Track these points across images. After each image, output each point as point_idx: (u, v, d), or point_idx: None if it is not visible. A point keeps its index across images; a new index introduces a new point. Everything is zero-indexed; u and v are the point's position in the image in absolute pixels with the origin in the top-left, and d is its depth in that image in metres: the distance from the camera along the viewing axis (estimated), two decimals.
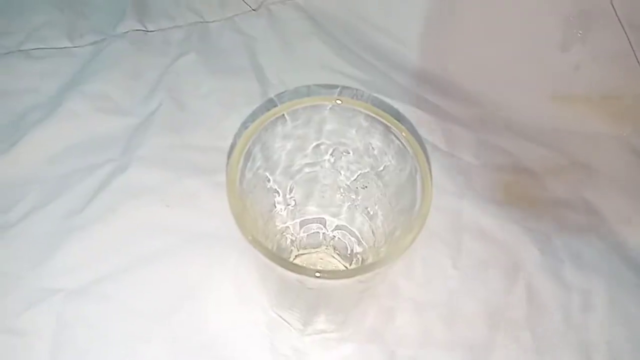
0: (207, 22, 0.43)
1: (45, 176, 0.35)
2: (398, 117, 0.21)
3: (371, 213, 0.25)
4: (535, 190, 0.36)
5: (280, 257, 0.17)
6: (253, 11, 0.43)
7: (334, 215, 0.29)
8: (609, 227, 0.35)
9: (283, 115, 0.21)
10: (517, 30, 0.38)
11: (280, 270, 0.18)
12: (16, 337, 0.29)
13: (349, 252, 0.28)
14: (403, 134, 0.20)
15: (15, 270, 0.31)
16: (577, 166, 0.37)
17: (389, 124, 0.20)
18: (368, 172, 0.24)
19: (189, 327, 0.31)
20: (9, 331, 0.29)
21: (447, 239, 0.34)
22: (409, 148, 0.20)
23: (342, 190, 0.26)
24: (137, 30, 0.42)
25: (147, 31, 0.42)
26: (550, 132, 0.38)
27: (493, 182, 0.36)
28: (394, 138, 0.21)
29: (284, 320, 0.31)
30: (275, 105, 0.21)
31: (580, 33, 0.36)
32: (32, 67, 0.40)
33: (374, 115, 0.21)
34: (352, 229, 0.28)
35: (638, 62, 0.36)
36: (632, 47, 0.36)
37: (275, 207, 0.26)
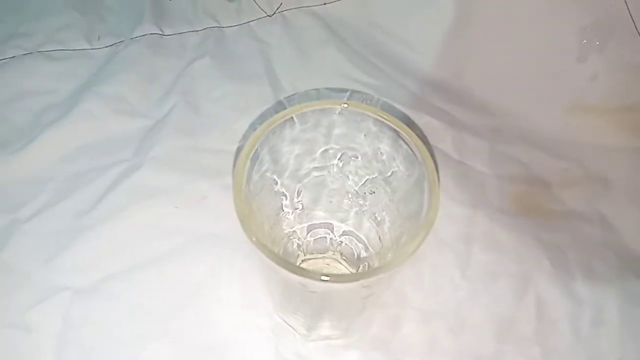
0: (222, 27, 0.43)
1: (57, 175, 0.36)
2: (408, 123, 0.21)
3: (378, 219, 0.25)
4: (548, 201, 0.35)
5: (284, 260, 0.17)
6: (268, 17, 0.44)
7: (342, 221, 0.29)
8: (623, 242, 0.34)
9: (292, 118, 0.21)
10: (533, 40, 0.37)
11: (285, 273, 0.18)
12: (22, 333, 0.29)
13: (355, 257, 0.28)
14: (412, 139, 0.20)
15: (25, 266, 0.32)
16: (593, 179, 0.36)
17: (398, 129, 0.20)
18: (376, 177, 0.24)
19: (194, 328, 0.31)
20: (15, 326, 0.29)
21: (457, 249, 0.34)
22: (417, 154, 0.20)
23: (349, 195, 0.26)
24: (153, 33, 0.43)
25: (164, 35, 0.43)
26: (566, 144, 0.37)
27: (506, 193, 0.36)
28: (403, 143, 0.21)
29: (289, 325, 0.31)
30: (285, 108, 0.21)
31: (597, 43, 0.36)
32: (50, 68, 0.41)
33: (383, 119, 0.20)
34: (359, 234, 0.28)
35: None
36: None
37: (283, 210, 0.26)
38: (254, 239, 0.17)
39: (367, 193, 0.25)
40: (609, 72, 0.37)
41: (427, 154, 0.19)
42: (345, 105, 0.20)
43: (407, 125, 0.20)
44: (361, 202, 0.26)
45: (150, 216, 0.34)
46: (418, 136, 0.20)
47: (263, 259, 0.19)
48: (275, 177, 0.23)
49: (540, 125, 0.38)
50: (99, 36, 0.43)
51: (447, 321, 0.31)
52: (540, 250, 0.33)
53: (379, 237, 0.25)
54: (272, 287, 0.25)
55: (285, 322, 0.31)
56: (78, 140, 0.37)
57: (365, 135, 0.22)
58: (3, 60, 0.41)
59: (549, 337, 0.31)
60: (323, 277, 0.17)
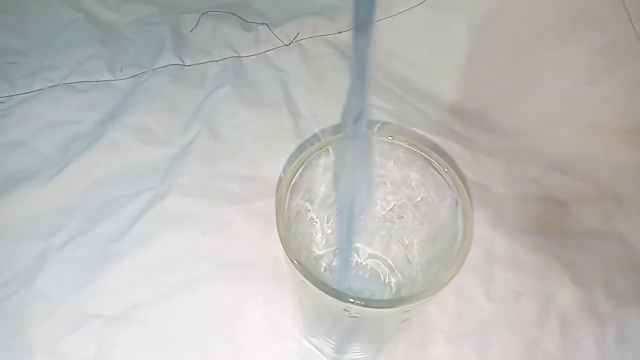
0: (241, 57, 0.45)
1: (87, 203, 0.37)
2: (438, 152, 0.22)
3: (406, 242, 0.26)
4: (566, 220, 0.36)
5: (326, 284, 0.18)
6: (285, 46, 0.45)
7: (367, 244, 0.29)
8: None
9: (327, 148, 0.22)
10: (545, 63, 0.39)
11: (323, 297, 0.19)
12: None
13: (381, 280, 0.29)
14: (445, 168, 0.21)
15: (59, 294, 0.33)
16: (608, 197, 0.37)
17: (430, 158, 0.21)
18: (405, 202, 0.25)
19: (223, 353, 0.31)
20: (52, 354, 0.30)
21: (479, 269, 0.34)
22: (450, 182, 0.21)
23: (377, 219, 0.27)
24: (175, 64, 0.44)
25: (185, 65, 0.44)
26: (579, 163, 0.38)
27: (524, 212, 0.36)
28: (434, 171, 0.21)
29: (317, 349, 0.31)
30: (319, 140, 0.22)
31: (608, 66, 0.37)
32: (76, 99, 0.42)
33: (414, 149, 0.21)
34: (385, 257, 0.29)
35: None
36: None
37: (313, 235, 0.27)
38: (296, 262, 0.18)
39: (395, 217, 0.26)
40: (620, 93, 0.38)
41: (461, 184, 0.20)
42: (391, 138, 0.21)
43: (438, 154, 0.21)
44: (388, 225, 0.27)
45: (179, 243, 0.35)
46: (450, 164, 0.21)
47: (300, 283, 0.20)
48: (308, 204, 0.24)
49: (554, 146, 0.39)
50: (121, 67, 0.44)
51: (473, 342, 0.32)
52: (560, 268, 0.34)
53: (408, 261, 0.26)
54: (305, 311, 0.26)
55: (314, 346, 0.32)
56: (105, 169, 0.38)
57: (394, 162, 0.23)
58: (30, 93, 0.42)
59: (575, 355, 0.31)
60: (364, 303, 0.18)
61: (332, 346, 0.29)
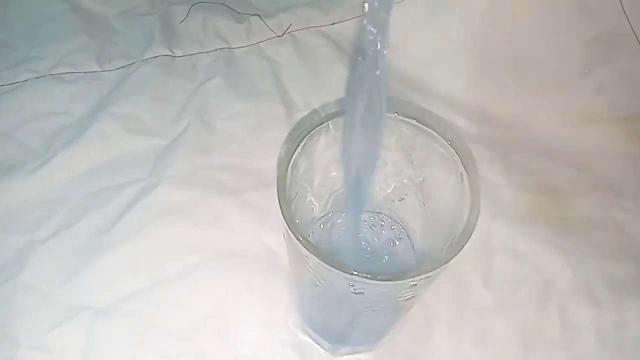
0: (232, 48, 0.44)
1: (74, 195, 0.36)
2: (444, 127, 0.21)
3: (409, 224, 0.25)
4: (564, 210, 0.36)
5: (331, 259, 0.17)
6: (278, 38, 0.44)
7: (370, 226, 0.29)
8: (638, 246, 0.35)
9: (328, 124, 0.21)
10: (540, 54, 0.39)
11: (328, 273, 0.18)
12: (45, 354, 0.29)
13: (383, 262, 0.28)
14: (448, 142, 0.20)
15: (44, 287, 0.31)
16: (605, 187, 0.37)
17: (434, 133, 0.21)
18: (406, 183, 0.24)
19: (216, 346, 0.30)
20: (37, 348, 0.29)
21: (477, 259, 0.34)
22: (455, 156, 0.20)
23: (377, 202, 0.26)
24: (164, 55, 0.43)
25: (175, 56, 0.43)
26: (576, 153, 0.38)
27: (521, 203, 0.36)
28: (439, 147, 0.21)
29: (314, 341, 0.31)
30: (319, 116, 0.21)
31: (602, 56, 0.37)
32: (62, 90, 0.41)
33: (419, 124, 0.21)
34: (386, 239, 0.28)
35: None
36: None
37: (312, 216, 0.26)
38: (301, 239, 0.17)
39: (395, 200, 0.26)
40: (614, 83, 0.38)
41: (466, 156, 0.20)
42: (396, 114, 0.21)
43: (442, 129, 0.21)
44: (389, 207, 0.26)
45: (170, 234, 0.34)
46: (454, 139, 0.21)
47: (305, 263, 0.19)
48: (307, 185, 0.24)
49: (550, 136, 0.38)
50: (109, 58, 0.43)
51: (474, 332, 0.31)
52: (559, 257, 0.34)
53: (411, 243, 0.25)
54: (305, 297, 0.25)
55: (311, 337, 0.31)
56: (93, 160, 0.37)
57: (396, 139, 0.22)
58: (15, 84, 0.41)
59: (575, 343, 0.31)
60: (371, 276, 0.17)
61: (331, 337, 0.28)
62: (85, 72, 0.42)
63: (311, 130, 0.20)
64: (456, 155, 0.20)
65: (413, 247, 0.25)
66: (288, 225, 0.18)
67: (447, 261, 0.17)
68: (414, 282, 0.18)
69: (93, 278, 0.32)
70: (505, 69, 0.39)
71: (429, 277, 0.18)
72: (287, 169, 0.19)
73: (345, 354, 0.30)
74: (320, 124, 0.21)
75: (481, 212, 0.35)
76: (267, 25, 0.44)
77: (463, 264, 0.34)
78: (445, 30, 0.41)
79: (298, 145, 0.20)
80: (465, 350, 0.31)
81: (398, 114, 0.21)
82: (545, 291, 0.33)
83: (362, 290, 0.18)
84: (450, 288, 0.33)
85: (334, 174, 0.23)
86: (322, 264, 0.17)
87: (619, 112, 0.38)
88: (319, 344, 0.31)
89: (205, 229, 0.34)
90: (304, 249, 0.17)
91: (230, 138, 0.39)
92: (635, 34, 0.36)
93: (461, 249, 0.18)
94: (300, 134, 0.20)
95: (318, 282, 0.20)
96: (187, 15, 0.45)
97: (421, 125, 0.21)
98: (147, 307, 0.31)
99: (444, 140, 0.21)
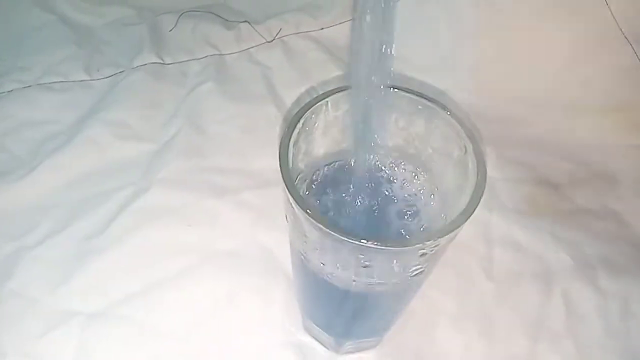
0: (223, 54, 0.44)
1: (63, 201, 0.35)
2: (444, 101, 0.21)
3: (410, 201, 0.25)
4: (559, 201, 0.36)
5: (340, 229, 0.17)
6: (268, 43, 0.44)
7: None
8: (637, 233, 0.35)
9: (327, 101, 0.21)
10: (528, 50, 0.39)
11: (336, 246, 0.17)
12: None
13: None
14: (448, 113, 0.20)
15: (34, 294, 0.30)
16: (598, 176, 0.37)
17: (435, 106, 0.20)
18: (409, 158, 0.23)
19: (212, 349, 0.29)
20: (27, 355, 0.28)
21: (478, 251, 0.33)
22: (458, 127, 0.20)
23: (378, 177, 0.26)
24: (154, 63, 0.43)
25: (165, 64, 0.43)
26: (568, 145, 0.38)
27: (518, 195, 0.36)
28: (439, 123, 0.21)
29: (317, 339, 0.30)
30: (318, 93, 0.21)
31: (588, 49, 0.37)
32: (50, 99, 0.41)
33: (418, 97, 0.21)
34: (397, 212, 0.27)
35: None
36: (639, 60, 0.37)
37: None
38: (308, 211, 0.17)
39: (400, 175, 0.25)
40: (601, 75, 0.38)
41: (468, 126, 0.20)
42: (396, 90, 0.20)
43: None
44: (388, 187, 0.25)
45: (163, 236, 0.33)
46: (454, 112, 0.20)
47: (309, 238, 0.19)
48: (302, 165, 0.23)
49: (542, 130, 0.39)
50: (98, 67, 0.43)
51: (479, 324, 0.31)
52: (559, 247, 0.34)
53: (419, 217, 0.25)
54: (308, 288, 0.24)
55: (313, 336, 0.30)
56: (83, 166, 0.36)
57: (397, 116, 0.22)
58: (2, 94, 0.40)
59: (580, 332, 0.30)
60: (379, 243, 0.16)
61: (335, 332, 0.27)
62: (73, 81, 0.42)
63: (311, 107, 0.20)
64: (458, 125, 0.20)
65: (420, 220, 0.24)
66: (295, 200, 0.17)
67: (458, 226, 0.17)
68: (424, 251, 0.17)
69: (84, 283, 0.31)
70: (493, 65, 0.40)
71: (437, 245, 0.17)
72: (289, 143, 0.19)
73: (349, 352, 0.29)
74: (319, 102, 0.20)
75: (478, 205, 0.35)
76: (257, 31, 0.44)
77: (463, 256, 0.33)
78: (432, 28, 0.41)
79: (300, 119, 0.19)
80: (472, 343, 0.30)
81: (398, 88, 0.21)
82: (547, 281, 0.32)
83: (369, 263, 0.18)
84: (452, 281, 0.32)
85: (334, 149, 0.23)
86: (332, 233, 0.16)
87: (607, 103, 0.39)
88: (321, 342, 0.30)
89: (200, 229, 0.34)
90: (313, 221, 0.17)
91: (224, 140, 0.39)
92: (619, 27, 0.37)
93: (471, 214, 0.17)
94: (301, 110, 0.20)
95: (322, 262, 0.19)
96: (176, 24, 0.45)
97: (422, 99, 0.21)
98: (141, 310, 0.30)
99: (445, 113, 0.20)
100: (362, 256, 0.17)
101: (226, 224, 0.34)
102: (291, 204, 0.18)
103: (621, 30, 0.37)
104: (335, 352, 0.29)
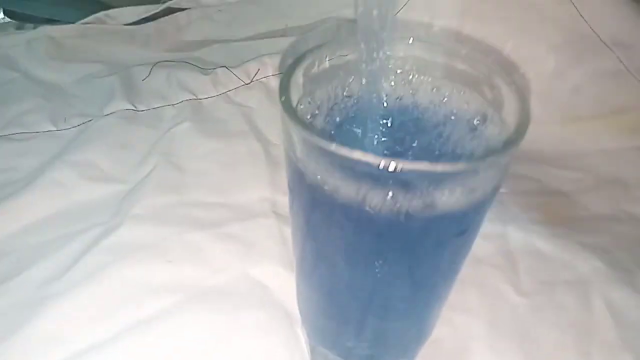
0: (200, 99, 0.42)
1: (18, 247, 0.30)
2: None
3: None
4: (574, 208, 0.33)
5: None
6: (246, 85, 0.43)
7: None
8: None
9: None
10: (513, 61, 0.38)
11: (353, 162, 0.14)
12: None
13: None
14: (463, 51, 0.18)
15: None
16: (607, 181, 0.35)
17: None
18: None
19: None
20: None
21: (500, 266, 0.30)
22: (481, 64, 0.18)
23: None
24: (127, 109, 0.40)
25: (138, 110, 0.41)
26: (569, 154, 0.37)
27: (529, 207, 0.33)
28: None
29: None
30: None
31: (571, 58, 0.37)
32: (10, 149, 0.37)
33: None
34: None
35: (631, 74, 0.37)
36: (622, 63, 0.37)
37: None
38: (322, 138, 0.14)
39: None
40: (589, 82, 0.38)
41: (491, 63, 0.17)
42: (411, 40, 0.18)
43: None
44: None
45: (137, 274, 0.28)
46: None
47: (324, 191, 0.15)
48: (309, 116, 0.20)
49: (539, 142, 0.37)
50: (65, 118, 0.40)
51: (517, 343, 0.26)
52: (587, 253, 0.30)
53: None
54: (314, 290, 0.20)
55: None
56: (43, 210, 0.32)
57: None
58: None
59: (637, 341, 0.26)
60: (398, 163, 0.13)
61: (345, 348, 0.22)
62: (37, 132, 0.39)
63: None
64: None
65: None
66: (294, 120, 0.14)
67: (515, 142, 0.14)
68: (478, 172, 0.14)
69: (39, 333, 0.25)
70: None
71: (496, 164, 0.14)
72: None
73: None
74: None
75: (490, 219, 0.32)
76: (235, 74, 0.43)
77: (485, 274, 0.29)
78: None
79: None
80: None
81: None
82: (584, 289, 0.28)
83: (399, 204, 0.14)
84: (478, 301, 0.28)
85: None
86: (356, 154, 0.13)
87: (600, 108, 0.38)
88: None
89: (181, 265, 0.29)
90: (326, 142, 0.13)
91: (203, 175, 0.35)
92: (597, 34, 0.37)
93: (524, 134, 0.14)
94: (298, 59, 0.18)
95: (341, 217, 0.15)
96: (149, 74, 0.44)
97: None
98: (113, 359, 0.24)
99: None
100: (389, 194, 0.14)
101: (211, 259, 0.30)
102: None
103: (598, 36, 0.37)
104: None
